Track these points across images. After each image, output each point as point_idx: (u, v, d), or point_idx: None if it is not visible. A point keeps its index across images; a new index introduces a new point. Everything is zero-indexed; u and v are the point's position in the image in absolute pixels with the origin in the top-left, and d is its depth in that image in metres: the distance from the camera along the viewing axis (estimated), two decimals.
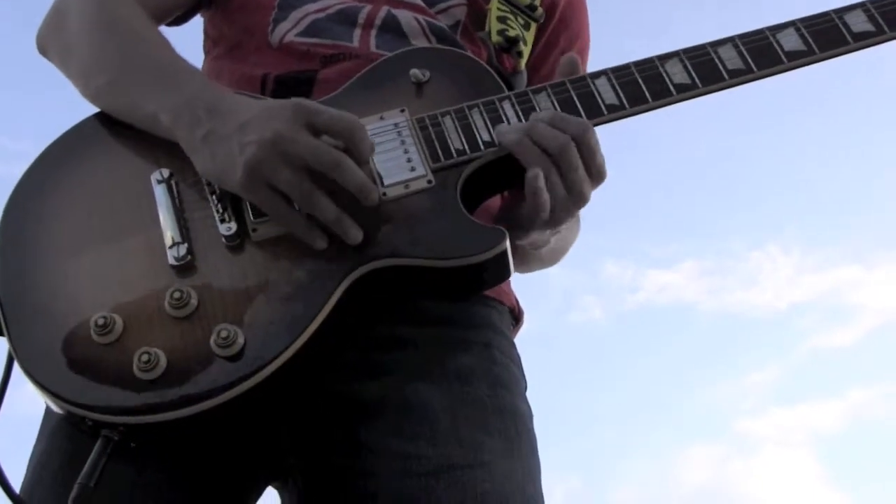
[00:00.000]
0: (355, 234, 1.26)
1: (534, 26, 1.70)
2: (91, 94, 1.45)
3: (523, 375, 1.53)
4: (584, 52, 1.81)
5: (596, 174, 1.33)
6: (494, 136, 1.35)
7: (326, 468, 1.35)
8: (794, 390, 8.86)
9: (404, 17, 1.60)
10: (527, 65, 1.69)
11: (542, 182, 1.28)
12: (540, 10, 1.71)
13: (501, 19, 1.66)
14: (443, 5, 1.66)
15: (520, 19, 1.68)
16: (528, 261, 1.62)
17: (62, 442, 1.32)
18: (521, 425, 1.42)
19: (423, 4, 1.63)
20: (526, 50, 1.68)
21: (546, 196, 1.29)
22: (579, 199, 1.32)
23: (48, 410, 1.35)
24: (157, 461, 1.30)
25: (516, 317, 1.61)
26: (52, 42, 1.55)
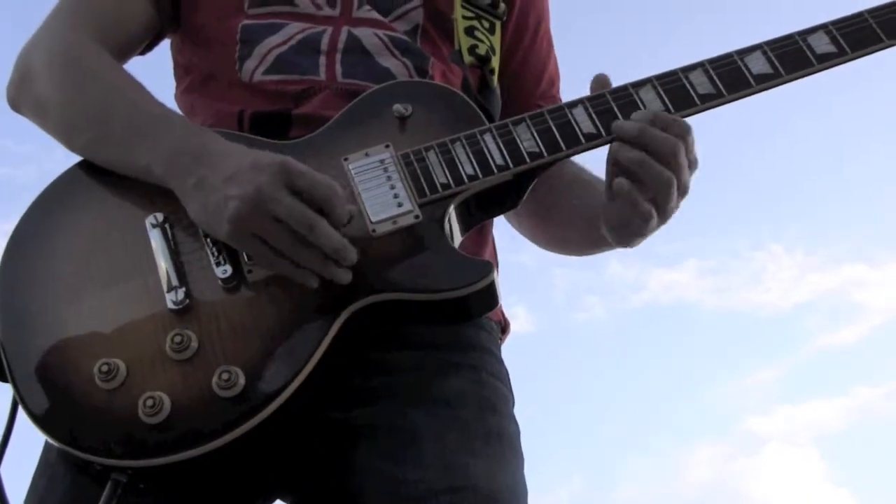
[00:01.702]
0: (343, 276, 1.29)
1: (498, 26, 1.71)
2: (77, 151, 1.47)
3: (511, 391, 1.58)
4: (547, 31, 1.83)
5: (694, 166, 1.43)
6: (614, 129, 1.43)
7: (320, 489, 1.40)
8: (798, 389, 8.91)
9: (365, 35, 1.61)
10: (499, 77, 1.71)
11: (633, 189, 1.38)
12: (502, 6, 1.72)
13: (469, 31, 1.67)
14: (398, 12, 1.65)
15: (484, 23, 1.69)
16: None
17: (64, 476, 1.35)
18: (507, 447, 1.47)
19: (379, 17, 1.63)
20: (497, 62, 1.70)
21: (646, 206, 1.39)
22: (685, 193, 1.43)
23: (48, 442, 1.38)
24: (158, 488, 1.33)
25: (503, 328, 1.66)
26: (23, 99, 1.55)
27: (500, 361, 1.59)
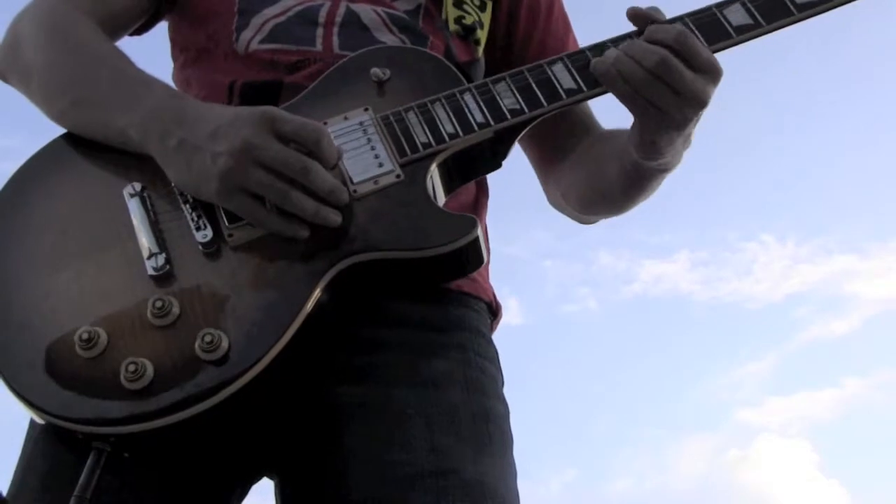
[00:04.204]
0: (335, 218, 1.30)
1: (489, 6, 1.71)
2: (56, 116, 1.46)
3: (500, 372, 1.55)
4: (561, 11, 1.81)
5: (708, 70, 1.35)
6: (592, 70, 1.40)
7: (305, 468, 1.37)
8: (790, 380, 8.95)
9: (363, 10, 1.60)
10: (485, 50, 1.70)
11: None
12: None
13: (457, 4, 1.67)
14: None
15: (475, 0, 1.69)
16: (652, 187, 1.60)
17: (47, 448, 1.33)
18: (493, 428, 1.43)
19: None
20: (483, 35, 1.69)
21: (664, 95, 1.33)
22: (695, 99, 1.34)
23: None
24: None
25: (494, 311, 1.62)
26: (10, 67, 1.56)
27: (489, 341, 1.55)
